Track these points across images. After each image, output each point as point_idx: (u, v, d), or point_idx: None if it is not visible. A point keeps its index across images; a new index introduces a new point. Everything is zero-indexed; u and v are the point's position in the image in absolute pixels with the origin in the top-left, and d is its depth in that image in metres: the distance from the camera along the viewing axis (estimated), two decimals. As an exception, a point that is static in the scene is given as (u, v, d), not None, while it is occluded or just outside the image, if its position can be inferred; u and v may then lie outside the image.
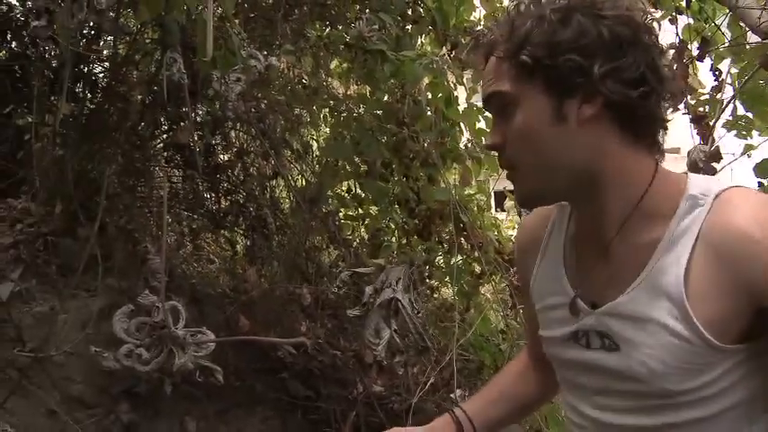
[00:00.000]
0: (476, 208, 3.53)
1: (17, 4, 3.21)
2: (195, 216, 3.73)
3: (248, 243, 3.77)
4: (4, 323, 2.86)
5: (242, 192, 3.74)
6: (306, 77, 3.77)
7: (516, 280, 2.96)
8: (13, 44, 3.47)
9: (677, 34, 3.16)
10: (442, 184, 3.29)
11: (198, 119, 3.35)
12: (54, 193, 3.15)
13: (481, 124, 3.22)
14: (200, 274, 3.74)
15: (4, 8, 3.13)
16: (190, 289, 3.30)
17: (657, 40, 1.05)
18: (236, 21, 3.36)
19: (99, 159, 3.21)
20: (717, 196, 1.02)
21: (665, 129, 1.10)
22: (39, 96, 3.18)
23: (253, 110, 3.44)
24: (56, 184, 3.14)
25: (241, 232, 3.80)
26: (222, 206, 3.73)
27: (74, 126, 3.13)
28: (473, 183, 3.40)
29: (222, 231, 3.81)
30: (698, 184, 1.05)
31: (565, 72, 1.00)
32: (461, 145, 3.35)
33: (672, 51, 2.81)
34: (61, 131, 3.08)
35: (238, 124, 3.57)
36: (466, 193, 3.49)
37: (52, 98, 3.33)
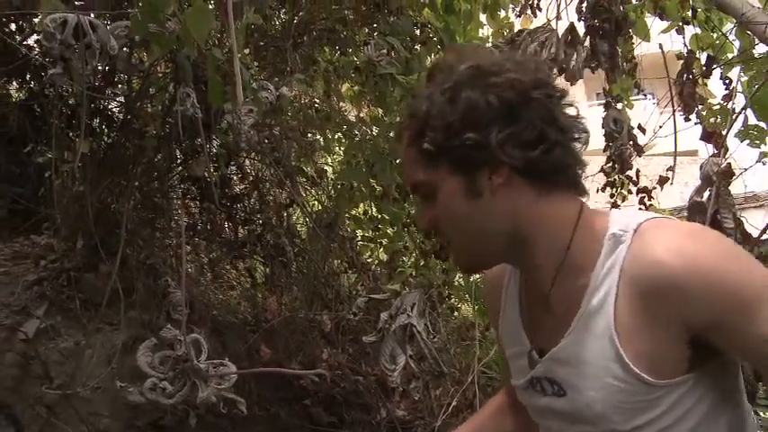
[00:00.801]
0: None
1: (35, 45, 3.27)
2: (213, 246, 3.77)
3: (267, 271, 3.79)
4: (31, 360, 2.91)
5: (259, 221, 3.78)
6: (318, 102, 3.81)
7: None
8: (32, 84, 3.54)
9: (685, 44, 3.16)
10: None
11: (213, 151, 3.40)
12: (75, 228, 3.20)
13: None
14: (221, 302, 3.78)
15: (24, 50, 3.19)
16: (211, 319, 3.33)
17: (552, 89, 1.05)
18: (247, 51, 3.41)
19: (117, 194, 3.26)
20: (636, 230, 1.03)
21: (583, 168, 1.10)
22: (57, 134, 3.24)
23: (266, 140, 3.48)
24: (76, 220, 3.19)
25: (260, 261, 3.83)
26: (240, 236, 3.77)
27: (92, 162, 3.17)
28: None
29: (241, 261, 3.85)
30: (618, 220, 1.06)
31: (465, 151, 1.02)
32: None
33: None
34: (80, 167, 3.13)
35: (252, 154, 3.61)
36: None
37: (70, 134, 3.39)
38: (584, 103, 11.67)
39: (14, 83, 3.60)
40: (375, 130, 3.53)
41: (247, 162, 3.81)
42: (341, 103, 3.88)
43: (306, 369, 3.19)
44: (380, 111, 3.61)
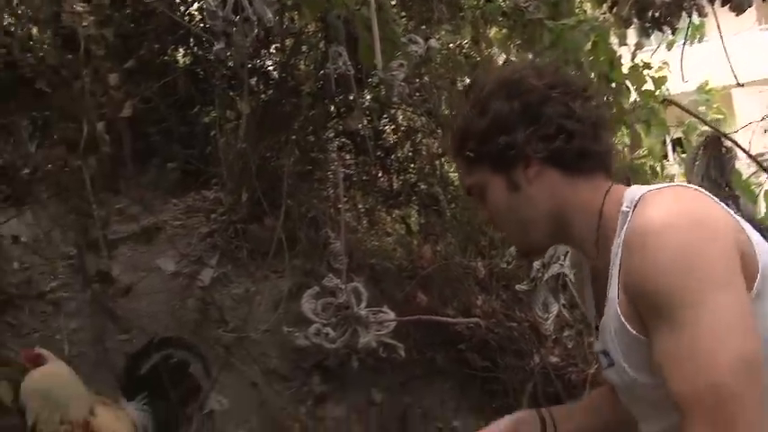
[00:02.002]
0: (649, 171, 3.40)
1: (196, 13, 3.47)
2: (369, 198, 3.89)
3: (422, 219, 3.87)
4: (208, 305, 3.19)
5: (412, 170, 3.85)
6: (466, 48, 3.78)
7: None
8: (195, 49, 3.77)
9: None
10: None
11: (365, 104, 3.48)
12: (240, 183, 3.42)
13: (648, 85, 3.08)
14: (378, 249, 3.90)
15: (187, 19, 3.40)
16: (369, 267, 3.46)
17: (568, 87, 1.20)
18: (393, 2, 3.43)
19: (277, 150, 3.43)
20: (637, 203, 1.09)
21: (610, 154, 1.23)
22: (219, 94, 3.45)
23: (417, 92, 3.51)
24: (240, 175, 3.40)
25: (414, 209, 3.91)
26: (394, 185, 3.87)
27: (252, 120, 3.35)
28: (643, 147, 3.28)
29: (396, 209, 3.94)
30: (629, 196, 1.13)
31: (499, 153, 1.18)
32: (628, 107, 3.21)
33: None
34: (242, 125, 3.32)
35: (404, 106, 3.66)
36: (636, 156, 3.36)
37: (231, 94, 3.60)
38: (755, 27, 10.70)
39: (180, 50, 3.84)
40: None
41: (399, 114, 3.87)
42: (489, 49, 3.82)
43: (460, 315, 3.27)
44: (530, 55, 3.52)
